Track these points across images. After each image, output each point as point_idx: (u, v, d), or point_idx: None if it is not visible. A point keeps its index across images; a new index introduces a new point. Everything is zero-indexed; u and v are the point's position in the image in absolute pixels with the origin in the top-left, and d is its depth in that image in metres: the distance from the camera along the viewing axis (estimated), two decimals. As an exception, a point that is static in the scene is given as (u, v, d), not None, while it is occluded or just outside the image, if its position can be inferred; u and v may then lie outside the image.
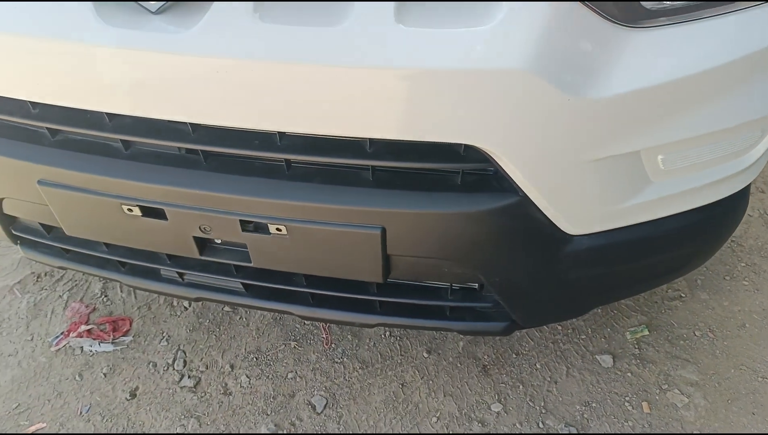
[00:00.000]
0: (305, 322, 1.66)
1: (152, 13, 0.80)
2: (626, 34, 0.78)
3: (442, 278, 1.08)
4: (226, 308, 1.73)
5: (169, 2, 0.79)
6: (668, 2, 0.80)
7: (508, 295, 1.08)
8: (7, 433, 1.46)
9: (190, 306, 1.75)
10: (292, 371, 1.56)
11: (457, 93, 0.77)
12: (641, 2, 0.79)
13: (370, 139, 0.85)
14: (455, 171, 0.93)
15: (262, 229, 1.02)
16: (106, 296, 1.78)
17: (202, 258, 1.11)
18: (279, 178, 0.97)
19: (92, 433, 1.46)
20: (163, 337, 1.67)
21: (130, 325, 1.70)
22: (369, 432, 1.43)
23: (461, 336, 1.60)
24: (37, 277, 1.83)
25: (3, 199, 1.16)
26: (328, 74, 0.78)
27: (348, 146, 0.90)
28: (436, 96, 0.77)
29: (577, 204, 0.93)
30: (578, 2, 0.76)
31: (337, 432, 1.44)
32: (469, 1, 0.77)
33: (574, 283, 1.07)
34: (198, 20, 0.79)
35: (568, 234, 0.98)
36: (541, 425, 1.43)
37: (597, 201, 0.93)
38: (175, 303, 1.75)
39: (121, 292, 1.79)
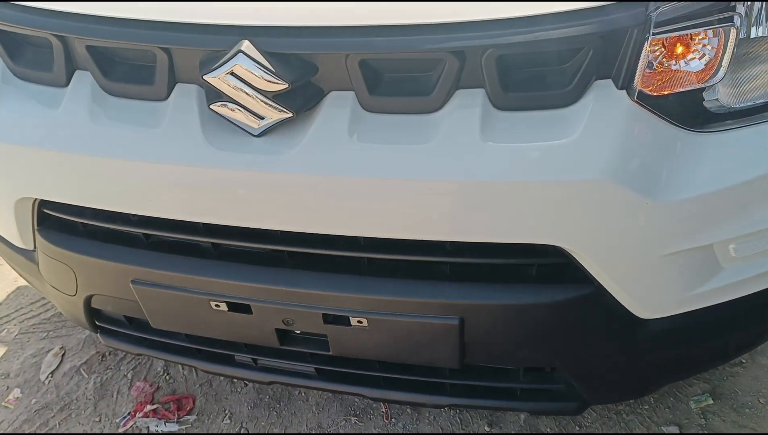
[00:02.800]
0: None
1: (254, 136, 0.88)
2: (697, 139, 0.84)
3: (515, 362, 1.12)
4: (277, 384, 1.76)
5: (269, 125, 0.87)
6: (731, 105, 0.85)
7: (582, 377, 1.11)
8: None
9: (249, 383, 1.78)
10: (355, 448, 1.58)
11: (541, 201, 0.82)
12: (706, 107, 0.85)
13: (456, 241, 0.91)
14: (530, 263, 0.97)
15: (343, 321, 1.07)
16: (168, 374, 1.83)
17: (283, 347, 1.16)
18: (361, 274, 1.02)
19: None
20: (226, 414, 1.70)
21: (194, 403, 1.74)
22: None
23: (522, 408, 1.60)
24: (102, 357, 1.89)
25: (93, 295, 1.23)
26: (418, 187, 0.84)
27: (430, 245, 0.95)
28: (522, 205, 0.83)
29: (651, 292, 0.97)
30: (649, 112, 0.81)
31: None
32: (548, 109, 0.83)
33: (647, 363, 1.10)
34: (297, 142, 0.87)
35: (641, 318, 1.01)
36: (611, 501, 1.42)
37: (670, 288, 0.97)
38: (235, 380, 1.79)
39: (183, 370, 1.84)
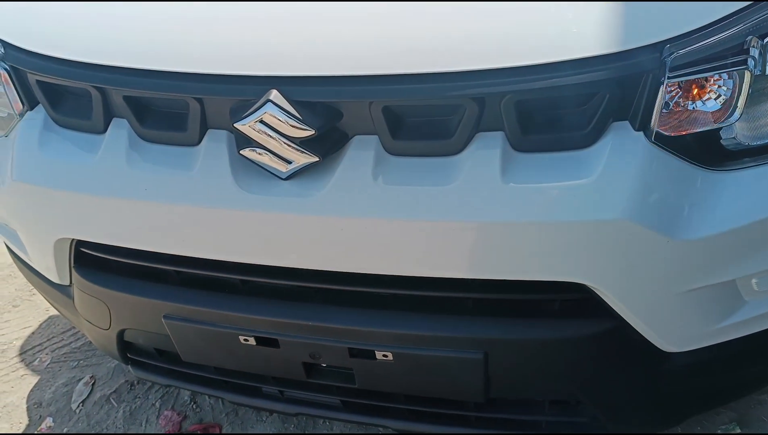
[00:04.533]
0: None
1: (282, 179, 0.92)
2: (715, 177, 0.85)
3: (540, 395, 1.12)
4: (303, 416, 1.77)
5: (297, 168, 0.91)
6: (749, 143, 0.87)
7: (607, 409, 1.11)
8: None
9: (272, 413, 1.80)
10: (381, 479, 1.58)
11: (561, 240, 0.84)
12: (723, 145, 0.87)
13: (480, 279, 0.93)
14: (553, 299, 0.99)
15: (368, 355, 1.09)
16: (195, 403, 1.86)
17: (309, 380, 1.18)
18: (386, 309, 1.04)
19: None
20: (252, 443, 1.72)
21: (220, 432, 1.76)
22: None
23: None
24: (131, 386, 1.93)
25: (126, 329, 1.27)
26: (442, 228, 0.86)
27: (453, 281, 0.97)
28: (542, 244, 0.85)
29: (674, 326, 0.97)
30: (667, 152, 0.83)
31: None
32: (566, 151, 0.85)
33: (672, 396, 1.10)
34: (324, 185, 0.90)
35: (666, 352, 1.02)
36: None
37: (693, 323, 0.97)
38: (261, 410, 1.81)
39: (210, 399, 1.86)
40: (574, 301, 0.99)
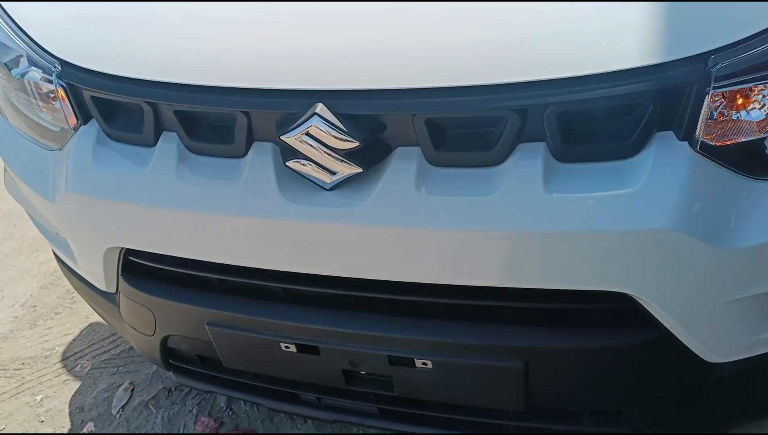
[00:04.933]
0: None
1: (326, 190, 0.94)
2: (761, 186, 0.85)
3: (581, 405, 1.12)
4: (340, 422, 1.79)
5: (341, 179, 0.93)
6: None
7: (649, 420, 1.10)
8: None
9: (309, 419, 1.82)
10: (416, 487, 1.58)
11: (605, 250, 0.85)
12: (768, 153, 0.86)
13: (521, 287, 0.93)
14: (595, 308, 0.99)
15: (408, 363, 1.10)
16: (231, 410, 1.89)
17: (349, 388, 1.20)
18: (426, 318, 1.06)
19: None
20: (287, 450, 1.74)
21: (256, 439, 1.79)
22: None
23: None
24: (169, 392, 1.97)
25: (169, 335, 1.30)
26: (484, 237, 0.88)
27: (493, 289, 0.98)
28: (586, 253, 0.85)
29: (719, 336, 0.97)
30: (712, 161, 0.83)
31: None
32: (609, 161, 0.86)
33: (715, 406, 1.08)
34: (367, 195, 0.92)
35: (710, 362, 1.01)
36: None
37: (738, 333, 0.96)
38: (295, 416, 1.83)
39: (245, 405, 1.89)
40: (616, 311, 0.98)
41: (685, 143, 0.82)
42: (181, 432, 1.84)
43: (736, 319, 0.94)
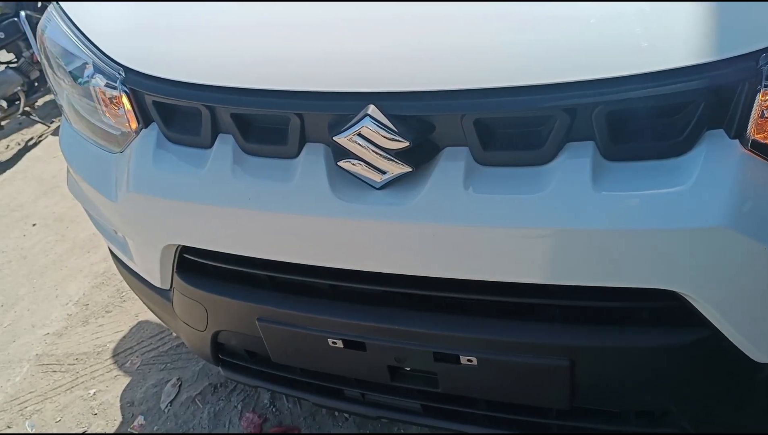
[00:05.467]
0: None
1: (376, 189, 0.97)
2: (814, 184, 0.84)
3: (628, 405, 1.12)
4: (384, 419, 1.81)
5: (391, 178, 0.96)
6: None
7: (697, 420, 1.09)
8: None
9: (350, 417, 1.86)
10: (457, 487, 1.60)
11: (655, 248, 0.85)
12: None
13: (569, 285, 0.94)
14: (643, 306, 0.99)
15: (453, 359, 1.12)
16: (274, 406, 1.94)
17: (394, 384, 1.22)
18: (471, 315, 1.07)
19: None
20: (329, 447, 1.77)
21: (299, 434, 1.83)
22: None
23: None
24: (214, 389, 2.03)
25: (220, 331, 1.35)
26: (533, 235, 0.89)
27: (540, 287, 1.00)
28: (636, 251, 0.86)
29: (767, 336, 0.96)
30: (764, 160, 0.83)
31: None
32: (659, 160, 0.86)
33: (765, 407, 1.07)
34: (416, 194, 0.95)
35: (759, 363, 0.99)
36: None
37: (790, 333, 0.95)
38: (337, 413, 1.86)
39: (288, 402, 1.94)
40: (665, 310, 0.98)
41: (736, 141, 0.82)
42: (226, 427, 1.89)
43: (789, 319, 0.93)
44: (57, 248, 3.05)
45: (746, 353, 0.97)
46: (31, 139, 4.61)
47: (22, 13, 4.33)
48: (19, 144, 4.56)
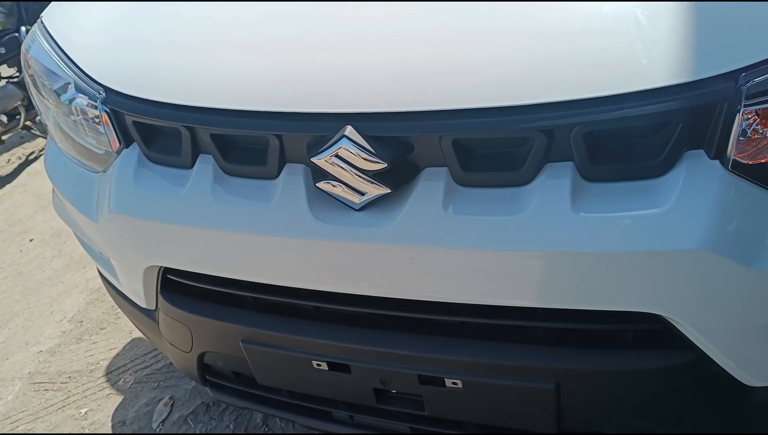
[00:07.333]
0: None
1: (355, 210, 0.96)
2: (797, 204, 0.82)
3: (616, 428, 1.09)
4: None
5: (370, 200, 0.94)
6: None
7: (688, 445, 1.07)
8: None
9: (342, 436, 1.83)
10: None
11: (635, 270, 0.83)
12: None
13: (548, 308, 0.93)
14: (628, 329, 0.97)
15: (438, 382, 1.10)
16: (266, 426, 1.91)
17: (380, 406, 1.20)
18: (455, 337, 1.06)
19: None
20: (321, 467, 1.75)
21: (290, 456, 1.81)
22: None
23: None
24: (207, 407, 2.01)
25: (206, 352, 1.34)
26: (513, 257, 0.88)
27: (523, 309, 0.98)
28: (616, 273, 0.84)
29: (757, 360, 0.93)
30: (745, 180, 0.81)
31: None
32: (638, 180, 0.85)
33: (755, 430, 1.04)
34: (396, 215, 0.93)
35: (748, 386, 0.97)
36: None
37: (779, 356, 0.93)
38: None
39: (281, 422, 1.91)
40: (650, 333, 0.97)
41: (716, 162, 0.81)
42: (217, 447, 1.87)
43: (776, 342, 0.91)
44: (53, 264, 3.05)
45: (735, 376, 0.95)
46: (32, 153, 4.63)
47: (23, 29, 4.37)
48: (20, 158, 4.59)
